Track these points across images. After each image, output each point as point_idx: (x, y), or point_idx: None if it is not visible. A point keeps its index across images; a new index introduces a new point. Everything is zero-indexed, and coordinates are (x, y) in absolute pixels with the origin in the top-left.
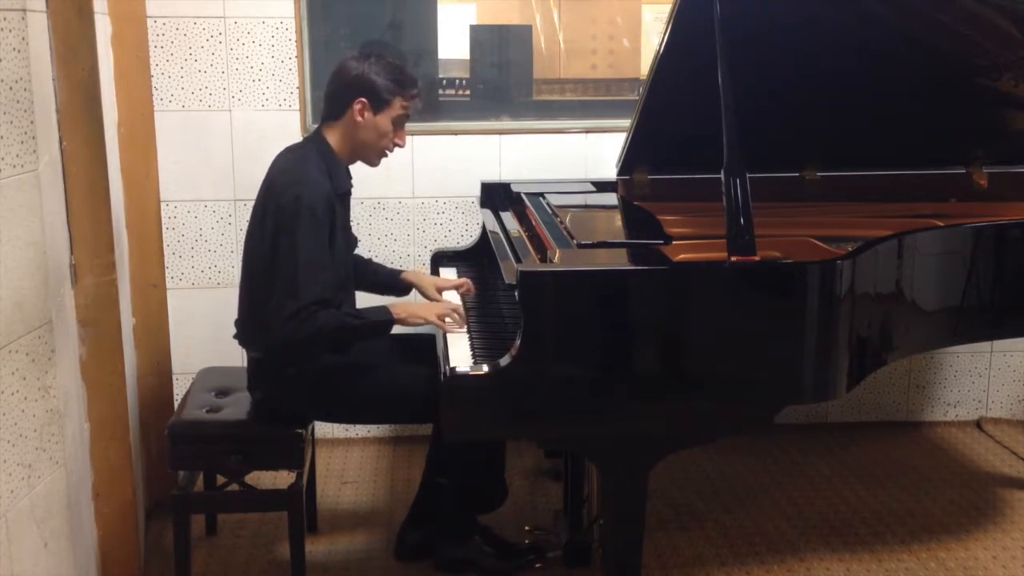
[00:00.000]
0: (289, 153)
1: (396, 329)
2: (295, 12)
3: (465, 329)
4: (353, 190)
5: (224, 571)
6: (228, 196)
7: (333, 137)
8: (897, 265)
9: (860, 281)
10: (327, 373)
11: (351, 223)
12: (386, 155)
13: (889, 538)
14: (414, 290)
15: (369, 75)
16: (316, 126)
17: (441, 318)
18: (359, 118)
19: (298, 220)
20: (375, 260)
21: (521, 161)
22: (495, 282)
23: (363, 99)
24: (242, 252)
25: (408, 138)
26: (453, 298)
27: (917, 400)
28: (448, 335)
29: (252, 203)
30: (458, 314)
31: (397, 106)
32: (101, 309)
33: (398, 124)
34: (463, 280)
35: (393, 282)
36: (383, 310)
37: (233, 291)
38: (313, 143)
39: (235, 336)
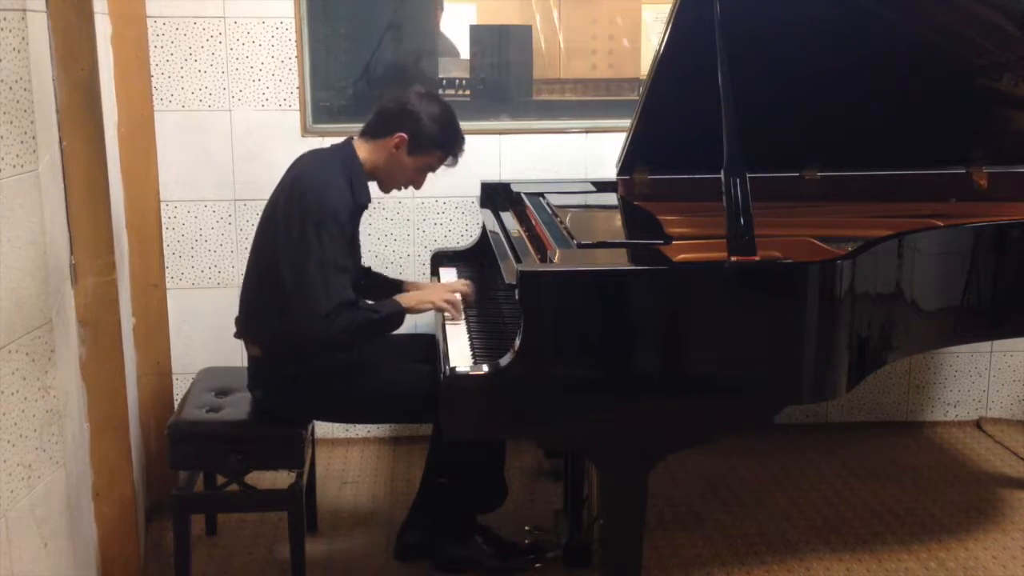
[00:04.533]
0: (315, 156)
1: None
2: (295, 12)
3: (464, 320)
4: None
5: (224, 571)
6: (228, 196)
7: (364, 152)
8: (897, 265)
9: (860, 281)
10: (327, 373)
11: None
12: (400, 189)
13: (889, 538)
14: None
15: (423, 118)
16: (317, 125)
17: (446, 300)
18: (393, 149)
19: (324, 224)
20: (374, 260)
21: (521, 161)
22: (495, 282)
23: (404, 135)
24: (249, 248)
25: None
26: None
27: (917, 400)
28: (448, 335)
29: (252, 203)
30: (462, 295)
31: (433, 158)
32: (101, 309)
33: (424, 171)
34: (464, 281)
35: (396, 292)
36: (393, 303)
37: (233, 291)
38: (340, 152)
39: (236, 334)
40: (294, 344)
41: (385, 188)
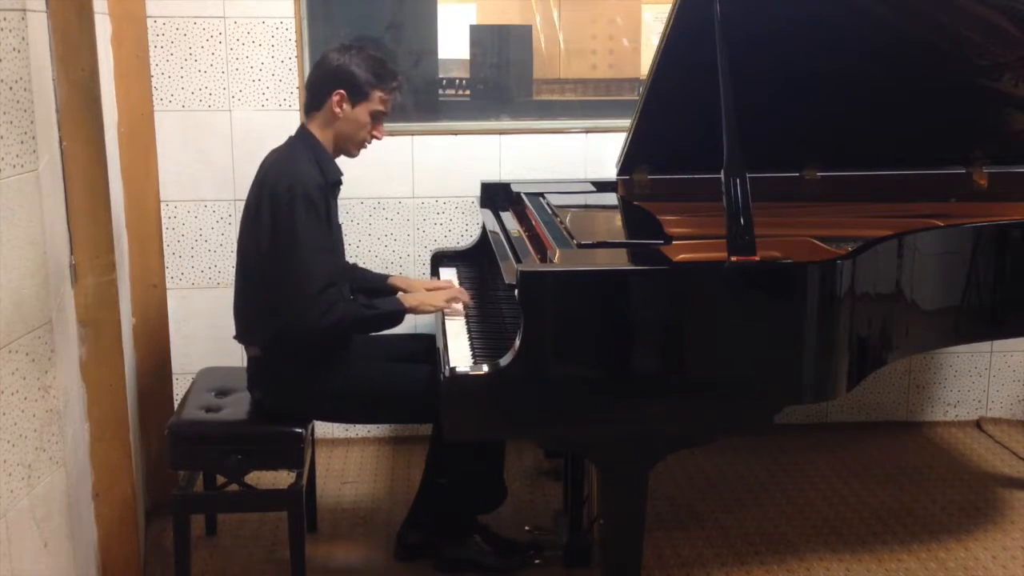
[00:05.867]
0: (277, 151)
1: (395, 328)
2: (295, 12)
3: (464, 320)
4: (353, 190)
5: (224, 571)
6: (228, 196)
7: (316, 129)
8: (897, 265)
9: (860, 281)
10: (327, 373)
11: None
12: (364, 147)
13: (889, 538)
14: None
15: (349, 67)
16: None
17: (450, 302)
18: (337, 110)
19: (294, 209)
20: (374, 260)
21: (521, 161)
22: (495, 282)
23: (341, 91)
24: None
25: (408, 138)
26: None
27: (917, 400)
28: (448, 335)
29: None
30: (463, 297)
31: (376, 99)
32: (101, 309)
33: (376, 117)
34: (447, 281)
35: (380, 286)
36: (394, 300)
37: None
38: (298, 138)
39: (236, 336)
40: (291, 336)
41: (352, 151)
